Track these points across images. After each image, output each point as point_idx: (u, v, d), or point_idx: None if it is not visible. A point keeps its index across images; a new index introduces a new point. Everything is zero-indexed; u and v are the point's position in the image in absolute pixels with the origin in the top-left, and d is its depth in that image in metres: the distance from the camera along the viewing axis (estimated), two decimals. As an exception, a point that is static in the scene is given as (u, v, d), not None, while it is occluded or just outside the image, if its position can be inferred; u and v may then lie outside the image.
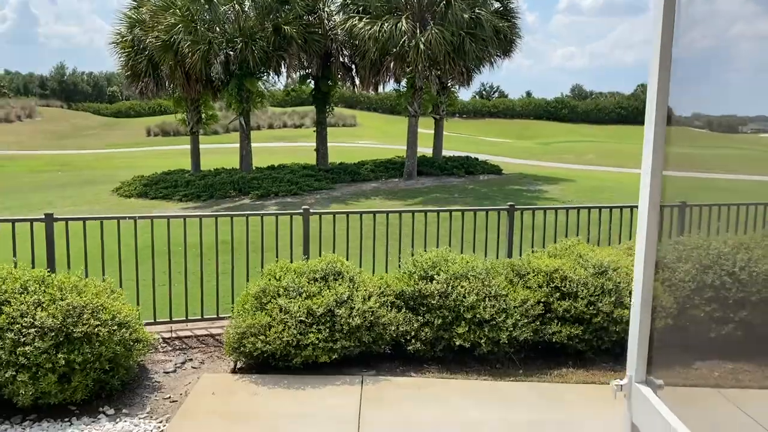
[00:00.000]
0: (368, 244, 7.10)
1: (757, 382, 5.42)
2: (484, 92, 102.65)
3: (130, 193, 21.35)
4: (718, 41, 2.55)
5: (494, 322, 5.56)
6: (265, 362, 5.39)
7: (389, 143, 41.46)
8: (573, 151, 47.66)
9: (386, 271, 6.71)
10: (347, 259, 6.59)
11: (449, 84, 26.40)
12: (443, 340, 5.66)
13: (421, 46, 20.88)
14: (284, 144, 45.20)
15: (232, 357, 5.47)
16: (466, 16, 21.43)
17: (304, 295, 5.41)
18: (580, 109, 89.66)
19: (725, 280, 6.11)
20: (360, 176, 23.48)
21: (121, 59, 24.56)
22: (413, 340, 5.65)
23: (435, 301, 5.66)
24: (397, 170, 24.46)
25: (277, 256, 6.54)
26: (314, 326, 5.26)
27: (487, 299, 5.65)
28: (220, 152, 34.89)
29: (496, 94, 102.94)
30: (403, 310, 5.75)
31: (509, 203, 7.34)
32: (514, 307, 5.68)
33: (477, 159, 27.63)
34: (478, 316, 5.56)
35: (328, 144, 26.04)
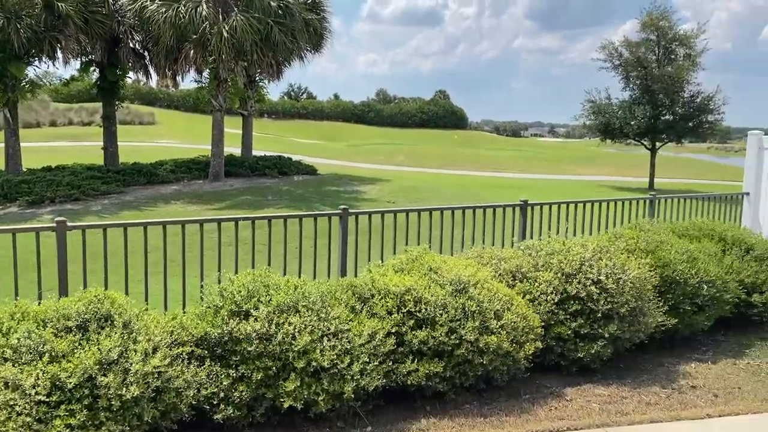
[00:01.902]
0: (158, 269, 5.29)
1: (641, 413, 4.58)
2: (292, 93, 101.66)
3: None
4: None
5: (335, 370, 4.10)
6: (-18, 469, 3.41)
7: (194, 143, 38.32)
8: (383, 152, 48.21)
9: (183, 307, 4.97)
10: (126, 292, 4.75)
11: (257, 78, 24.58)
12: (266, 400, 4.09)
13: (225, 33, 18.86)
14: (70, 143, 39.86)
15: None
16: (273, 4, 19.80)
17: (47, 356, 3.51)
18: (385, 113, 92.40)
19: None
20: (158, 178, 20.75)
21: None
22: (223, 405, 4.00)
23: (253, 348, 4.06)
24: (201, 171, 22.07)
25: (16, 294, 4.48)
26: (63, 406, 3.40)
27: (325, 338, 4.18)
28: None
29: (305, 95, 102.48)
30: (208, 362, 4.07)
31: (342, 206, 5.95)
32: (360, 344, 4.28)
33: (291, 159, 26.08)
34: (313, 363, 4.07)
35: (121, 143, 22.85)
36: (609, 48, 31.67)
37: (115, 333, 3.74)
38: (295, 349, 4.05)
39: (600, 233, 7.91)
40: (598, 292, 5.26)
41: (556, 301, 5.28)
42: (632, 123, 30.41)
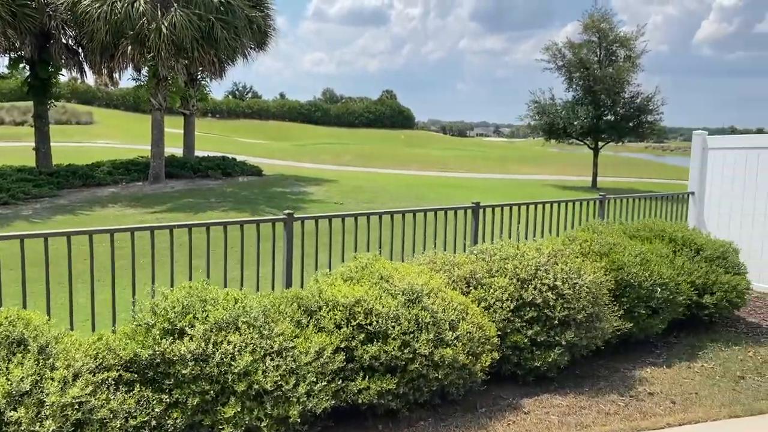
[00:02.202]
0: (87, 279, 4.84)
1: (601, 424, 4.42)
2: (237, 92, 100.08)
3: None
4: None
5: (280, 393, 3.78)
6: None
7: (133, 143, 37.04)
8: (330, 152, 47.80)
9: (113, 324, 4.54)
10: (48, 311, 4.31)
11: (199, 76, 23.84)
12: (203, 427, 3.72)
13: (164, 29, 18.14)
14: (0, 144, 37.89)
15: None
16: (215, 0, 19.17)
17: (-55, 391, 3.07)
18: (332, 113, 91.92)
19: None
20: (94, 180, 19.81)
21: None
22: (155, 434, 3.62)
23: (188, 370, 3.70)
24: (141, 172, 21.23)
25: None
26: (-35, 448, 2.98)
27: (267, 357, 3.85)
28: None
29: (250, 95, 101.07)
30: (138, 387, 3.67)
31: (286, 211, 5.61)
32: (307, 363, 3.96)
33: (235, 159, 25.39)
34: (255, 385, 3.73)
35: (57, 143, 21.75)
36: (553, 49, 32.18)
37: (29, 360, 3.31)
38: (235, 370, 3.70)
39: (552, 235, 7.81)
40: (554, 298, 5.09)
41: (511, 308, 5.08)
42: (575, 123, 30.97)
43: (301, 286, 5.40)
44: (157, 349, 3.76)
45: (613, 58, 31.87)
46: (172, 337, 3.83)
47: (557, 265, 5.35)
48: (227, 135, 63.70)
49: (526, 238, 7.63)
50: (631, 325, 5.70)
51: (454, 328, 4.50)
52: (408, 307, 4.46)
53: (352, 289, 4.54)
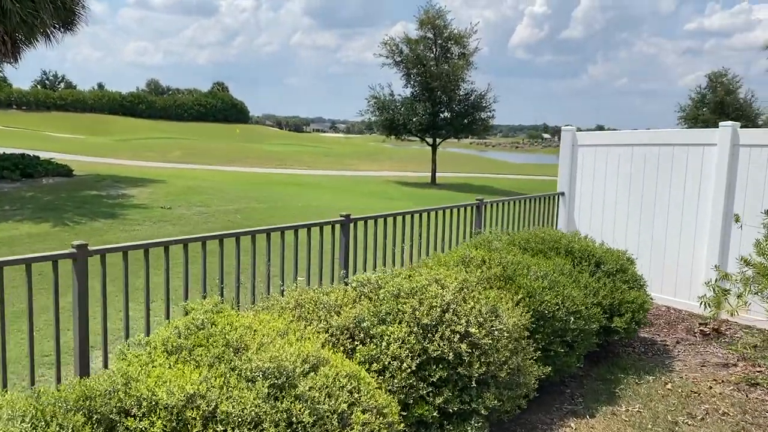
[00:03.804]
0: None
1: None
2: (47, 81, 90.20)
3: None
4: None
5: None
6: None
7: None
8: (156, 148, 43.94)
9: None
10: None
11: (-12, 58, 19.82)
12: None
13: (-68, -4, 14.49)
14: None
15: None
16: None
17: None
18: (158, 105, 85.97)
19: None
20: None
21: None
22: None
23: None
24: None
25: None
26: None
27: None
28: None
29: (62, 85, 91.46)
30: None
31: (76, 242, 3.68)
32: None
33: (38, 158, 21.53)
34: None
35: None
36: (390, 44, 31.68)
37: None
38: None
39: (433, 251, 6.56)
40: (468, 350, 3.75)
41: (413, 367, 3.66)
42: (414, 119, 30.73)
43: (105, 365, 3.54)
44: None
45: (448, 55, 32.08)
46: None
47: (467, 302, 4.02)
48: (35, 129, 56.43)
49: (401, 261, 6.30)
50: (550, 368, 4.55)
51: (345, 423, 2.96)
52: (274, 398, 2.84)
53: (183, 373, 2.83)
